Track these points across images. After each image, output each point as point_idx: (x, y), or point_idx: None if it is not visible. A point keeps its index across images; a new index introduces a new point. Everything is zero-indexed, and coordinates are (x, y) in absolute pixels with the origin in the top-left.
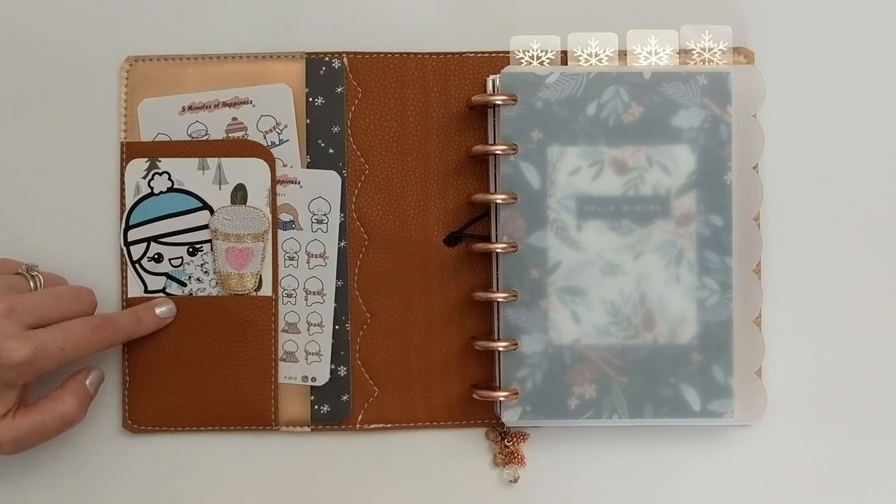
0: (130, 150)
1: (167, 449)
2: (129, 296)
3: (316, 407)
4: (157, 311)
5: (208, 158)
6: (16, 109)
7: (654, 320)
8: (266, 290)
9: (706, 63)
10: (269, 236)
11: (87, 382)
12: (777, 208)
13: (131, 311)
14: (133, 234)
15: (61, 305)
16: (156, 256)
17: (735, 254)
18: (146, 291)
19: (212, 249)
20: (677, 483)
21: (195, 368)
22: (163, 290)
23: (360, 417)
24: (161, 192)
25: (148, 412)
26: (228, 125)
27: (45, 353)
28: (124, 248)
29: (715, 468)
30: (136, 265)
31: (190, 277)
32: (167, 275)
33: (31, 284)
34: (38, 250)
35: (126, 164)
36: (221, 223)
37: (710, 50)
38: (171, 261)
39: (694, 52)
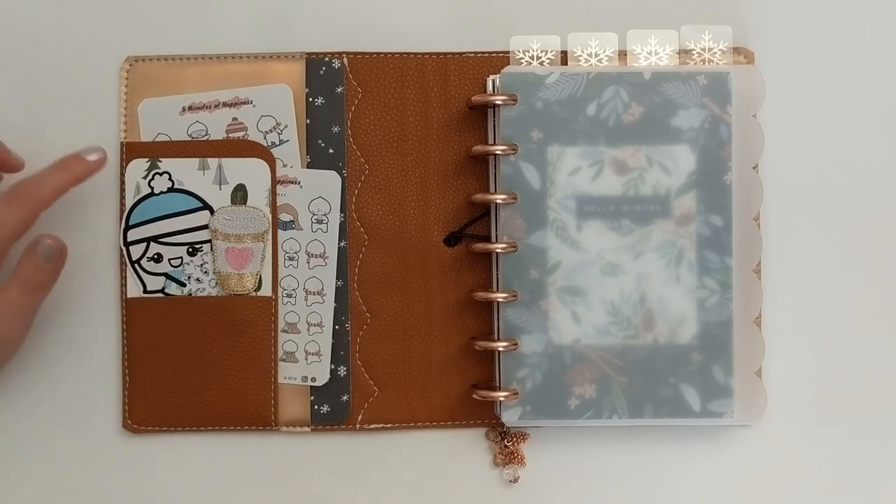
0: (130, 151)
1: (167, 449)
2: (129, 296)
3: (316, 407)
4: (88, 157)
5: (208, 158)
6: (16, 109)
7: (654, 320)
8: (266, 290)
9: (706, 63)
10: (269, 236)
11: (35, 251)
12: (777, 208)
13: (55, 163)
14: (133, 234)
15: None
16: (155, 256)
17: (735, 254)
18: (145, 291)
19: (212, 249)
20: (677, 483)
21: (195, 368)
22: (162, 291)
23: (360, 417)
24: (161, 192)
25: (148, 412)
26: (229, 125)
27: None
28: (124, 248)
29: (715, 468)
30: (136, 265)
31: (189, 278)
32: (166, 275)
33: None
34: None
35: (126, 164)
36: (221, 223)
37: (710, 50)
38: (171, 261)
39: (694, 52)
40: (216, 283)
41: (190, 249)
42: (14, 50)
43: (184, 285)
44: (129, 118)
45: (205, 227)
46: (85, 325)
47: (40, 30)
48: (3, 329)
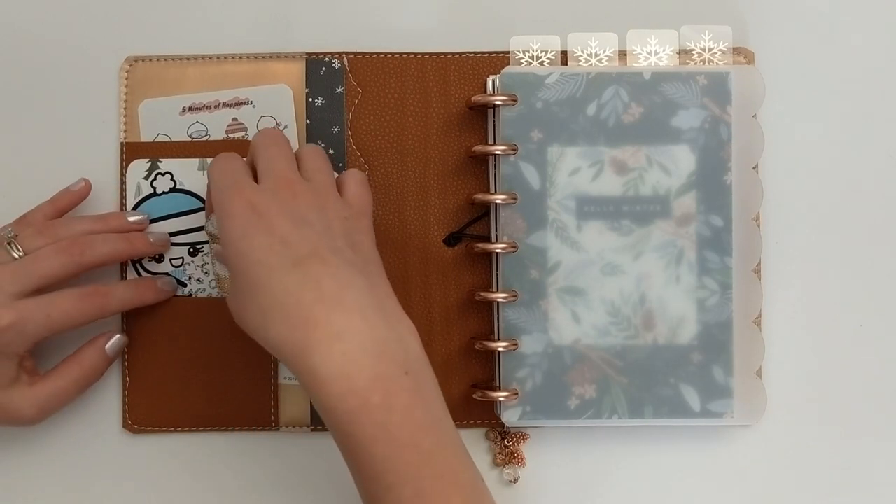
0: (131, 151)
1: (167, 449)
2: None
3: None
4: (158, 283)
5: (209, 159)
6: (16, 109)
7: (654, 320)
8: None
9: (706, 63)
10: None
11: (105, 346)
12: (777, 208)
13: (129, 281)
14: None
15: (45, 264)
16: (157, 257)
17: (735, 254)
18: None
19: (210, 252)
20: (677, 483)
21: (195, 368)
22: None
23: None
24: (164, 193)
25: (148, 412)
26: (229, 126)
27: (32, 320)
28: None
29: (715, 468)
30: (137, 265)
31: (190, 278)
32: (167, 275)
33: (13, 255)
34: None
35: (126, 164)
36: (217, 227)
37: (710, 50)
38: (172, 261)
39: (694, 52)
40: (215, 285)
41: (191, 250)
42: (14, 50)
43: (185, 285)
44: (129, 118)
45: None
46: (85, 326)
47: (40, 30)
48: (31, 413)
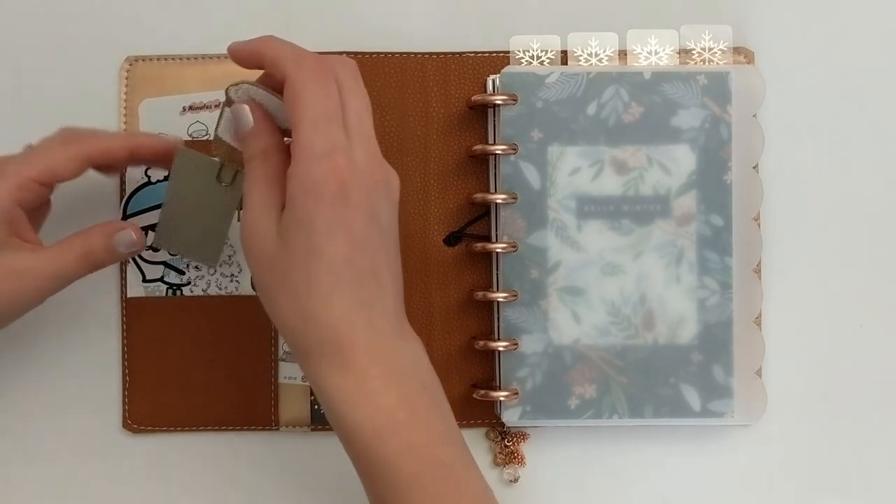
0: None
1: (167, 449)
2: (129, 295)
3: (316, 407)
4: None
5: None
6: (16, 109)
7: (654, 320)
8: None
9: (706, 63)
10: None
11: (115, 233)
12: (777, 208)
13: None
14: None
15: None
16: (154, 246)
17: (735, 254)
18: (144, 280)
19: (220, 113)
20: (677, 483)
21: (195, 368)
22: (161, 280)
23: None
24: (158, 181)
25: (148, 412)
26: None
27: (11, 159)
28: None
29: (715, 468)
30: (135, 256)
31: (188, 266)
32: (165, 263)
33: None
34: None
35: None
36: (248, 92)
37: (710, 50)
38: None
39: (694, 52)
40: (217, 154)
41: None
42: (14, 50)
43: (182, 273)
44: (129, 118)
45: None
46: (85, 326)
47: (40, 30)
48: (29, 281)
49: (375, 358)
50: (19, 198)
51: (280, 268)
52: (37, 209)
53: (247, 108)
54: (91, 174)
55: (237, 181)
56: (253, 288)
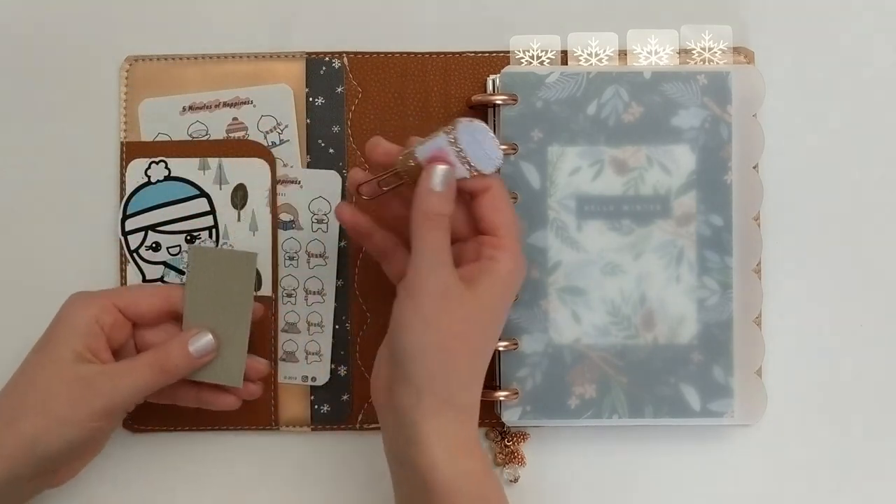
0: (131, 150)
1: (167, 449)
2: None
3: (316, 407)
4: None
5: (209, 158)
6: (16, 109)
7: (654, 320)
8: (266, 290)
9: (706, 63)
10: (474, 174)
11: (189, 341)
12: (777, 208)
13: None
14: (130, 224)
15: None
16: (153, 245)
17: (735, 254)
18: (144, 280)
19: (431, 135)
20: (677, 483)
21: None
22: (161, 279)
23: (360, 417)
24: (158, 181)
25: (148, 412)
26: (229, 125)
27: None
28: (122, 238)
29: (715, 468)
30: (134, 254)
31: (188, 266)
32: (165, 263)
33: None
34: (38, 250)
35: (127, 164)
36: (467, 133)
37: (710, 50)
38: (169, 249)
39: (694, 51)
40: (405, 153)
41: (188, 237)
42: (14, 50)
43: (182, 273)
44: (129, 118)
45: (202, 214)
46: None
47: (40, 30)
48: (89, 395)
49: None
50: (101, 319)
51: (470, 322)
52: (113, 340)
53: (452, 171)
54: (85, 180)
55: (248, 268)
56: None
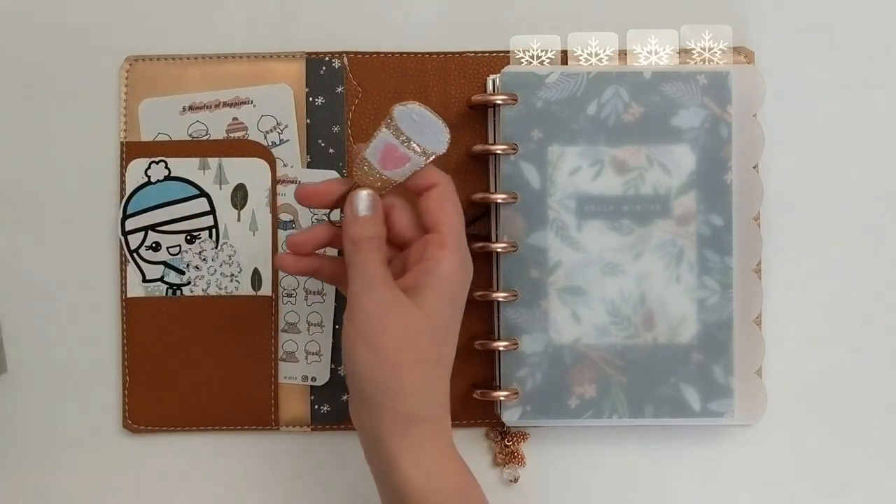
0: (131, 150)
1: (167, 449)
2: (129, 295)
3: (316, 407)
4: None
5: (209, 158)
6: (16, 109)
7: (654, 320)
8: (266, 290)
9: (706, 63)
10: (431, 160)
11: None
12: (777, 208)
13: None
14: (131, 223)
15: None
16: (153, 245)
17: (735, 254)
18: (144, 280)
19: (375, 133)
20: (677, 483)
21: (195, 368)
22: (161, 279)
23: None
24: (158, 181)
25: (148, 412)
26: (229, 125)
27: None
28: (122, 238)
29: (715, 468)
30: (134, 254)
31: (188, 266)
32: (165, 263)
33: None
34: (37, 250)
35: (127, 164)
36: (405, 118)
37: (710, 50)
38: (169, 249)
39: (694, 51)
40: (354, 165)
41: (188, 237)
42: (14, 50)
43: (182, 273)
44: (129, 118)
45: (202, 214)
46: (85, 326)
47: (40, 30)
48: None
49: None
50: None
51: (412, 333)
52: None
53: (374, 195)
54: (85, 180)
55: None
56: (251, 289)
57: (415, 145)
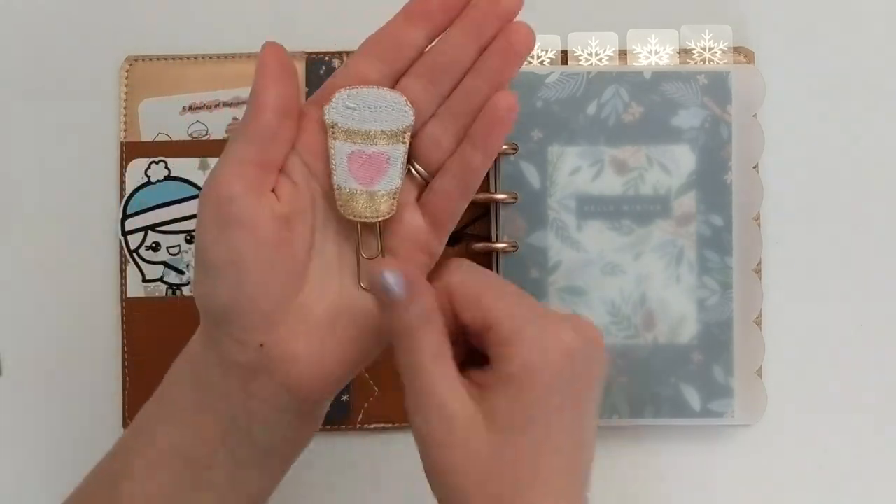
0: (130, 150)
1: None
2: (129, 295)
3: None
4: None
5: (209, 158)
6: (16, 109)
7: (654, 320)
8: None
9: (706, 63)
10: (409, 137)
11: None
12: (777, 208)
13: None
14: (130, 224)
15: None
16: (153, 245)
17: (735, 254)
18: (144, 280)
19: (330, 157)
20: (677, 483)
21: None
22: (161, 279)
23: (359, 417)
24: (158, 181)
25: None
26: (229, 125)
27: None
28: (122, 238)
29: (715, 468)
30: (134, 254)
31: (188, 266)
32: (165, 263)
33: None
34: (37, 250)
35: (126, 164)
36: (342, 113)
37: (710, 50)
38: (169, 249)
39: (694, 51)
40: (340, 205)
41: (188, 237)
42: (14, 49)
43: (182, 273)
44: (129, 118)
45: None
46: (85, 325)
47: (40, 29)
48: None
49: None
50: None
51: (483, 459)
52: None
53: (398, 273)
54: (85, 180)
55: None
56: None
57: (377, 135)
